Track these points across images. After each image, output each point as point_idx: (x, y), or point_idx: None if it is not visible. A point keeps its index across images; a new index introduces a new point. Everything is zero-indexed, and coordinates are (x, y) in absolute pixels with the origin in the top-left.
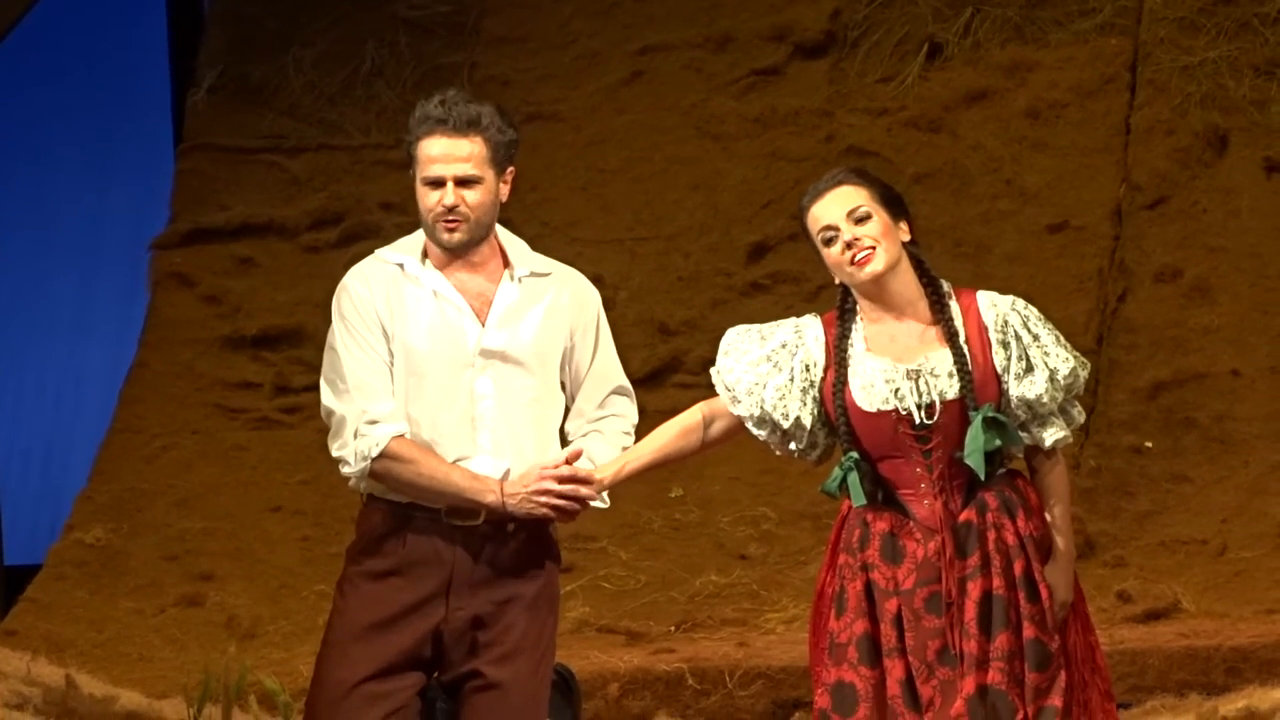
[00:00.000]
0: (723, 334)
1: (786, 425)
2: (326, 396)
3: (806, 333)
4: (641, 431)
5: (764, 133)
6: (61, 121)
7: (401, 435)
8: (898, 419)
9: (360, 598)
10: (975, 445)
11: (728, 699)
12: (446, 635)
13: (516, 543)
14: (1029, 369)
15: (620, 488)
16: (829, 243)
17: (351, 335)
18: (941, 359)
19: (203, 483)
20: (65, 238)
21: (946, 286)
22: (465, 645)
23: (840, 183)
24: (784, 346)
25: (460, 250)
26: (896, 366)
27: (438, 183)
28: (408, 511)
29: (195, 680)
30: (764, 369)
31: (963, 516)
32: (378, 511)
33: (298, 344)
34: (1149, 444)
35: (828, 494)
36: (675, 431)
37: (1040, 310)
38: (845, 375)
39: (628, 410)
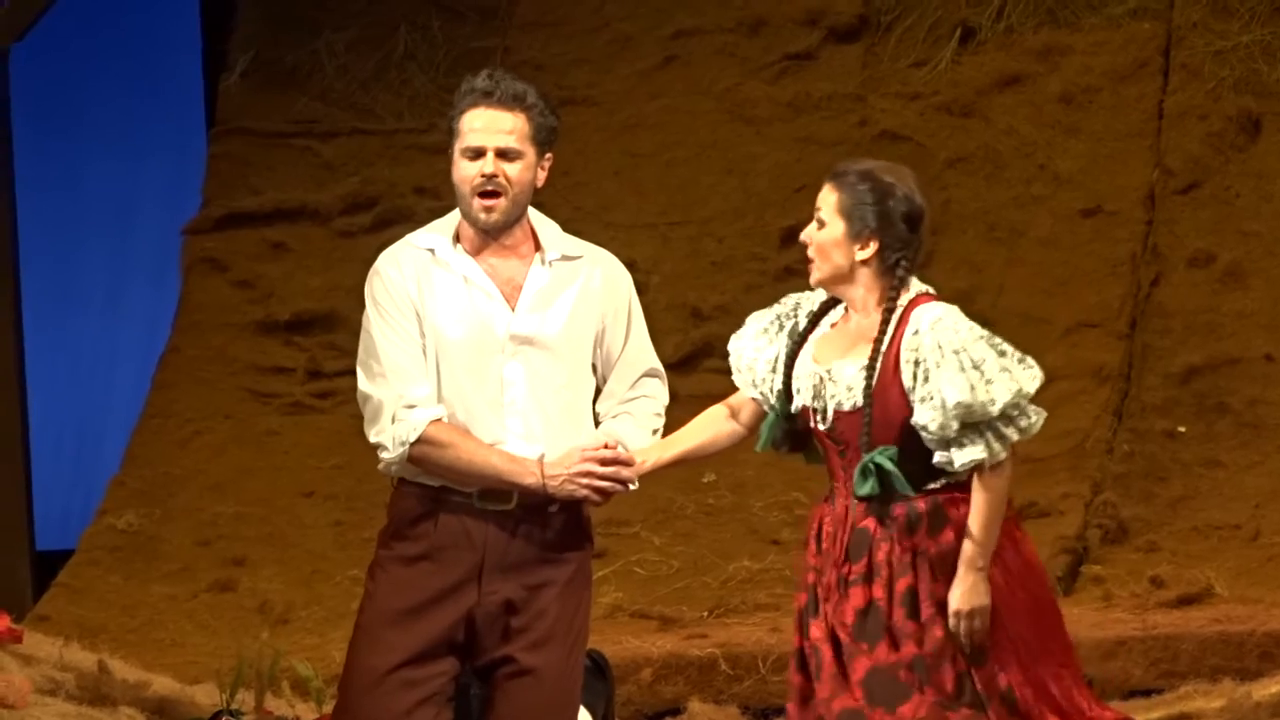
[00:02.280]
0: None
1: (773, 400)
2: (362, 382)
3: (803, 307)
4: (674, 416)
5: (797, 117)
6: (94, 106)
7: (439, 419)
8: (811, 417)
9: (392, 583)
10: (859, 485)
11: (760, 684)
12: (479, 620)
13: (550, 526)
14: (929, 394)
15: (654, 473)
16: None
17: (385, 320)
18: (847, 369)
19: (235, 468)
20: (98, 222)
21: (910, 295)
22: (498, 630)
23: (828, 179)
24: (777, 319)
25: (494, 231)
26: (817, 367)
27: (478, 153)
28: (439, 495)
29: (228, 665)
30: (760, 342)
31: (863, 522)
32: (409, 496)
33: (330, 329)
34: (1182, 429)
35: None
36: (711, 420)
37: (1073, 294)
38: (794, 359)
39: (659, 392)
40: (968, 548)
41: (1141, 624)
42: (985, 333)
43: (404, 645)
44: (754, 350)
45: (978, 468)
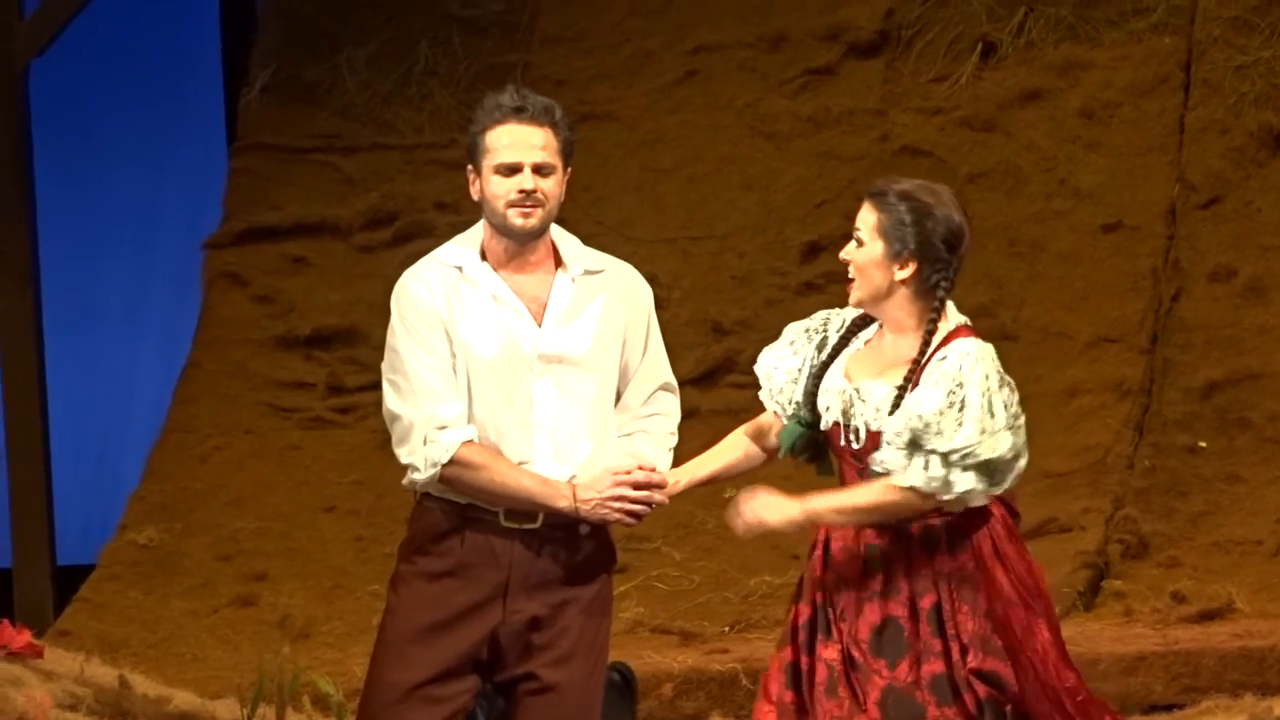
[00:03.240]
0: (777, 334)
1: (789, 409)
2: (391, 401)
3: (833, 323)
4: (695, 431)
5: (817, 132)
6: (115, 120)
7: (471, 440)
8: (843, 434)
9: (416, 599)
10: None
11: None
12: (503, 637)
13: (575, 545)
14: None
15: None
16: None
17: (414, 337)
18: (878, 389)
19: (256, 482)
20: (119, 237)
21: (951, 326)
22: (520, 647)
23: (867, 198)
24: (805, 331)
25: (525, 242)
26: (847, 384)
27: (514, 169)
28: (465, 512)
29: (249, 680)
30: (784, 353)
31: (878, 540)
32: (434, 511)
33: (351, 344)
34: (1203, 444)
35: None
36: (740, 440)
37: (1094, 309)
38: (823, 374)
39: (672, 409)
40: (821, 503)
41: (1163, 639)
42: (1002, 388)
43: (428, 662)
44: (775, 360)
45: (887, 473)
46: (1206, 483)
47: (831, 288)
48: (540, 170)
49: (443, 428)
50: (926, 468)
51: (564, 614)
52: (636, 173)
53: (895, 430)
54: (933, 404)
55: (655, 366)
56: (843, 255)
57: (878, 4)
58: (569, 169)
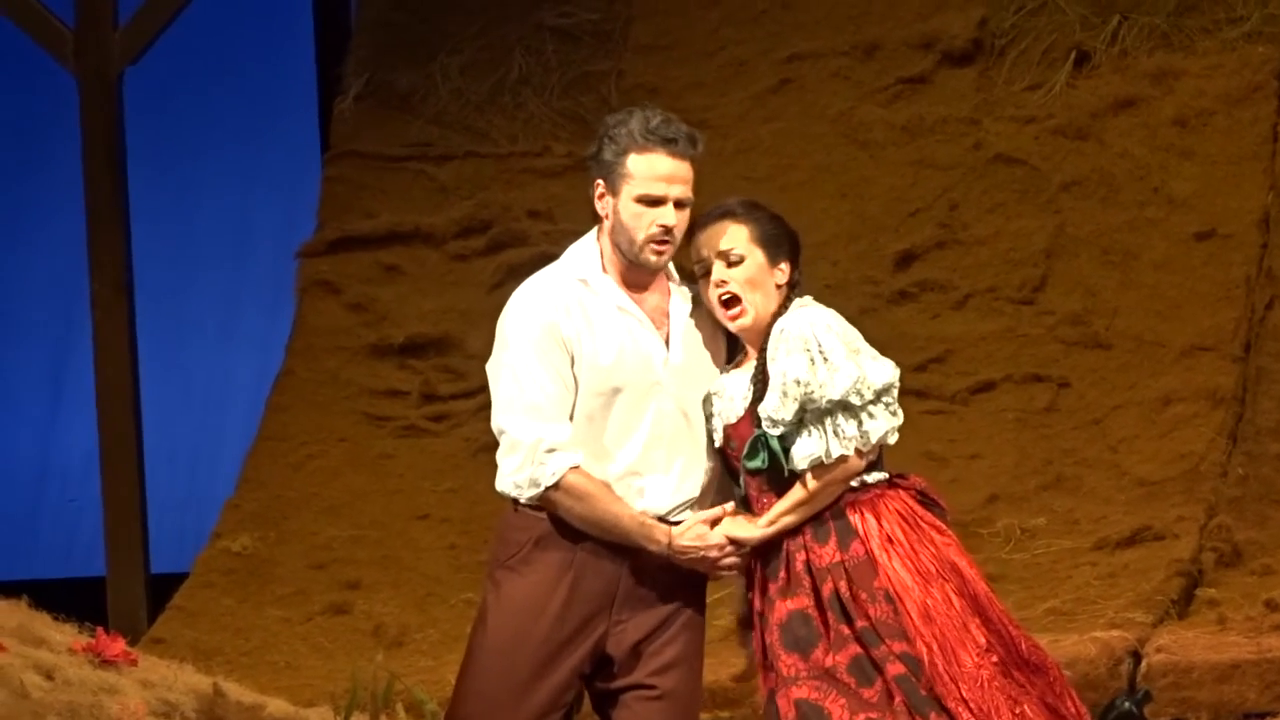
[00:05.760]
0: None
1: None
2: (502, 416)
3: None
4: None
5: (911, 141)
6: (209, 129)
7: (577, 466)
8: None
9: (519, 607)
10: (749, 459)
11: None
12: (608, 647)
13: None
14: (775, 377)
15: None
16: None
17: (530, 353)
18: (735, 379)
19: (349, 491)
20: (212, 245)
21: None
22: (627, 656)
23: (722, 220)
24: None
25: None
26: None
27: (658, 201)
28: (570, 524)
29: (342, 688)
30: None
31: (776, 541)
32: (538, 522)
33: (444, 352)
34: None
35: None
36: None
37: (1187, 318)
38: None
39: None
40: (777, 511)
41: (1256, 647)
42: (846, 328)
43: (530, 673)
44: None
45: (815, 465)
46: None
47: (925, 296)
48: (680, 204)
49: (551, 450)
50: (839, 432)
51: (670, 623)
52: (730, 181)
53: (775, 406)
54: (799, 366)
55: None
56: (717, 279)
57: (972, 13)
58: None
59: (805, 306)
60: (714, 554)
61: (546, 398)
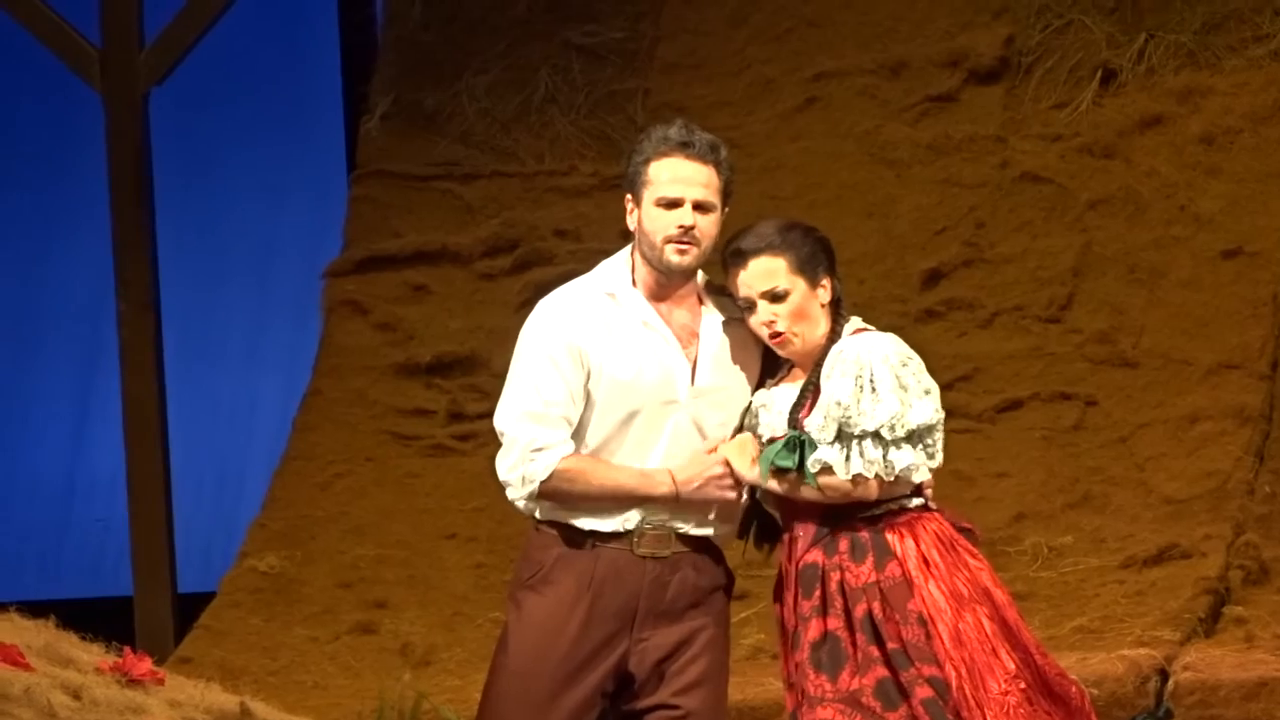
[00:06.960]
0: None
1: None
2: (503, 417)
3: None
4: None
5: (938, 159)
6: (235, 148)
7: (566, 455)
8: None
9: (541, 627)
10: (781, 457)
11: None
12: (630, 665)
13: (701, 570)
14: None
15: None
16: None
17: (544, 363)
18: (782, 394)
19: (376, 510)
20: (239, 264)
21: (851, 329)
22: (648, 675)
23: (760, 254)
24: None
25: (679, 277)
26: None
27: (675, 203)
28: (591, 539)
29: (370, 708)
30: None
31: (809, 556)
32: (557, 540)
33: (471, 371)
34: None
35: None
36: None
37: (1214, 336)
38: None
39: None
40: (760, 472)
41: None
42: (906, 364)
43: (552, 691)
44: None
45: (823, 470)
46: None
47: (952, 315)
48: (700, 207)
49: (540, 449)
50: (863, 454)
51: (693, 640)
52: (757, 200)
53: (819, 426)
54: (845, 390)
55: None
56: (764, 320)
57: (998, 31)
58: (726, 209)
59: (867, 330)
60: (719, 470)
61: (549, 406)
